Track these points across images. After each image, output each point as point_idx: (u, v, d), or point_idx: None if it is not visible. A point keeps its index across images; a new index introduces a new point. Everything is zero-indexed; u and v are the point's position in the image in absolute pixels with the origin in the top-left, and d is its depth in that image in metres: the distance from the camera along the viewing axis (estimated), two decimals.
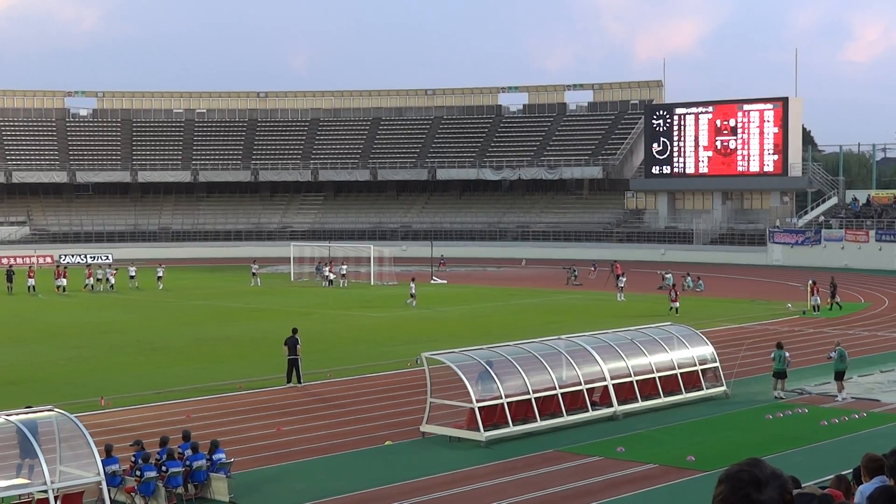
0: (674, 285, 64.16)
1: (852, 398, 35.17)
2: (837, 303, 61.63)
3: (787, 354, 36.19)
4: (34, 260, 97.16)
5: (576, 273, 79.97)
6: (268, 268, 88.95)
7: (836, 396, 35.25)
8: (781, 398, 35.12)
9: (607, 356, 33.41)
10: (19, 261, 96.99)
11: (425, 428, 29.87)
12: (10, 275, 74.15)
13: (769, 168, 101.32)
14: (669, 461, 26.97)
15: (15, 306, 66.57)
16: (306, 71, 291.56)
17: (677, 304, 59.12)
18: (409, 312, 61.18)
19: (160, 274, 77.83)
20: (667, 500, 23.59)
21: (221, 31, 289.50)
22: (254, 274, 79.37)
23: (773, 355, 36.04)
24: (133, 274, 78.81)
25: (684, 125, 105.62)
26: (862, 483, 10.86)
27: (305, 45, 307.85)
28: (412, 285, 65.49)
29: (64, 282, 74.12)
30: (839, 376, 35.54)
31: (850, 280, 67.55)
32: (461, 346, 34.36)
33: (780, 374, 35.55)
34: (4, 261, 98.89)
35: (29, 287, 73.59)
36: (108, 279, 76.92)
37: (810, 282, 61.71)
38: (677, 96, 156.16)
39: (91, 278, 76.62)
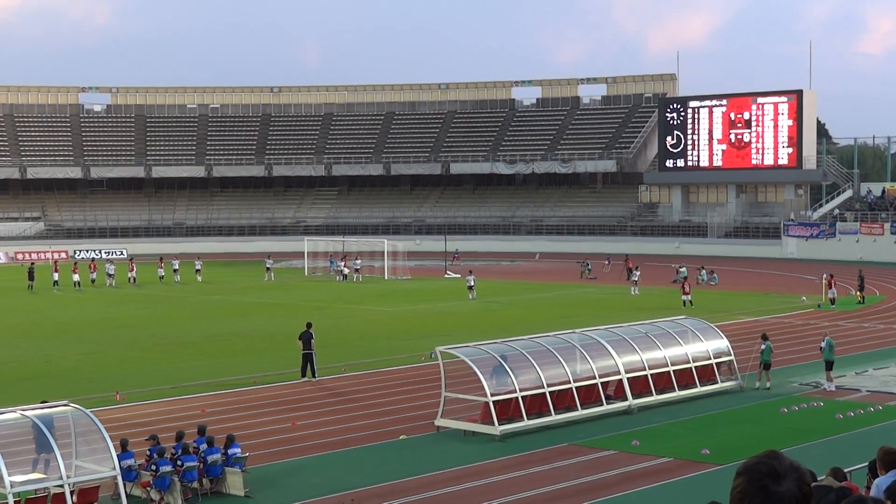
0: (685, 278, 64.03)
1: (869, 391, 35.10)
2: (863, 296, 61.49)
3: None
4: (57, 255, 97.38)
5: (589, 267, 79.87)
6: (282, 262, 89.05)
7: (827, 387, 35.66)
8: (768, 388, 35.40)
9: (622, 350, 33.38)
10: (34, 256, 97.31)
11: (440, 422, 29.89)
12: (31, 273, 73.78)
13: (783, 161, 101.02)
14: (684, 455, 26.94)
15: (31, 302, 66.75)
16: (319, 66, 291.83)
17: (689, 297, 59.02)
18: (421, 307, 61.16)
19: (198, 267, 79.53)
20: (682, 494, 23.56)
21: (234, 26, 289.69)
22: (268, 269, 79.56)
23: (763, 347, 36.16)
24: (177, 267, 79.94)
25: (698, 118, 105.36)
26: (878, 476, 10.84)
27: (318, 40, 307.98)
28: (470, 278, 65.57)
29: (93, 276, 76.71)
30: (829, 366, 35.89)
31: (865, 273, 67.28)
32: (475, 341, 34.35)
33: (768, 366, 35.78)
34: (20, 256, 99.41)
35: (54, 282, 74.32)
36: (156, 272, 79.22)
37: (825, 275, 61.58)
38: (691, 89, 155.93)
39: (133, 271, 78.41)
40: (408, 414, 32.08)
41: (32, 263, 78.48)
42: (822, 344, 36.38)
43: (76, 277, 74.16)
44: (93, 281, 75.85)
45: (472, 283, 65.14)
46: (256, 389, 36.37)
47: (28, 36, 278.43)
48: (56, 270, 75.86)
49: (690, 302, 58.26)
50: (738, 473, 4.22)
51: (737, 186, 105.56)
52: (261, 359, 42.61)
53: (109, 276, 76.49)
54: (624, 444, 28.16)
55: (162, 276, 78.80)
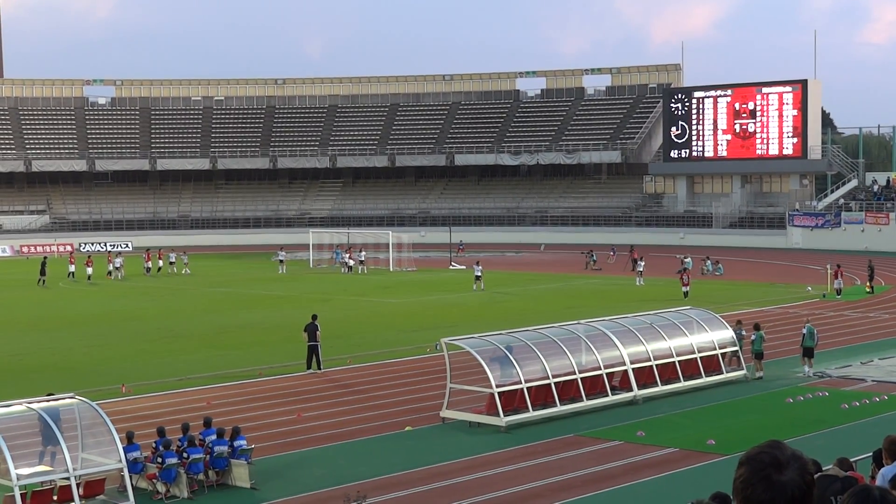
0: (685, 270, 63.68)
1: (874, 381, 35.08)
2: (872, 286, 61.43)
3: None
4: (62, 248, 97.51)
5: (594, 258, 79.80)
6: (288, 255, 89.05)
7: (804, 372, 36.06)
8: (758, 377, 35.59)
9: (627, 341, 33.38)
10: (39, 249, 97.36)
11: (445, 413, 29.90)
12: (43, 268, 72.00)
13: (788, 151, 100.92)
14: (690, 445, 26.93)
15: (37, 295, 66.73)
16: (323, 57, 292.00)
17: (688, 289, 58.90)
18: (426, 298, 61.17)
19: (178, 260, 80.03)
20: (687, 484, 23.55)
21: (238, 19, 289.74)
22: (281, 261, 79.62)
23: (753, 337, 36.24)
24: (173, 260, 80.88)
25: (703, 109, 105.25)
26: (883, 466, 10.84)
27: (321, 32, 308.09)
28: (477, 269, 65.57)
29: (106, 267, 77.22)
30: (808, 353, 36.29)
31: (873, 263, 67.32)
32: (481, 332, 34.37)
33: (760, 355, 35.86)
34: (25, 249, 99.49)
35: (70, 273, 74.59)
36: (183, 263, 79.99)
37: (829, 265, 61.49)
38: (695, 80, 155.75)
39: (149, 262, 79.42)
40: (413, 405, 32.10)
41: (45, 257, 78.04)
42: (803, 331, 36.65)
43: (90, 271, 74.13)
44: (109, 273, 75.88)
45: (480, 274, 65.18)
46: (262, 381, 36.40)
47: (32, 29, 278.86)
48: (72, 262, 75.95)
49: (687, 294, 58.08)
50: (740, 463, 4.22)
51: (742, 177, 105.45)
52: (266, 351, 42.63)
53: (117, 268, 76.53)
54: (629, 434, 28.16)
55: (172, 262, 79.86)
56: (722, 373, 35.38)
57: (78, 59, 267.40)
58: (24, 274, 75.54)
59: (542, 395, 30.26)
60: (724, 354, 35.81)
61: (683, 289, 59.01)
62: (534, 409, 29.68)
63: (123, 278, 75.19)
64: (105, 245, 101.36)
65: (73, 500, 21.73)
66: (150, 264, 79.09)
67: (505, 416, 28.89)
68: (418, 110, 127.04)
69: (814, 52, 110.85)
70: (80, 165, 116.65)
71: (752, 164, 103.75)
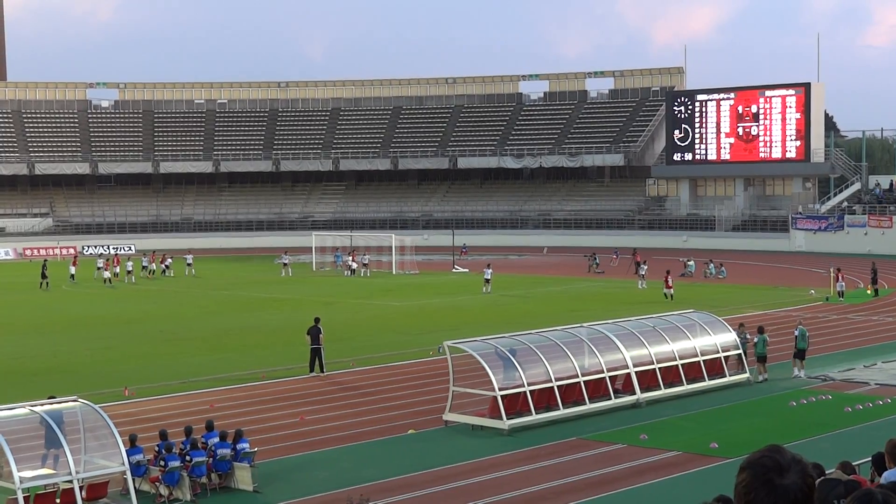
0: (668, 272, 63.39)
1: (877, 384, 35.04)
2: (876, 289, 61.38)
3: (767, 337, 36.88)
4: (66, 251, 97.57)
5: (597, 261, 79.79)
6: (290, 258, 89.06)
7: (796, 374, 36.25)
8: (761, 381, 35.65)
9: (630, 343, 33.36)
10: (43, 252, 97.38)
11: (448, 416, 29.89)
12: (43, 271, 71.66)
13: (791, 154, 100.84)
14: (693, 448, 26.92)
15: (40, 297, 66.74)
16: (326, 60, 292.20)
17: (671, 291, 58.91)
18: (429, 301, 61.18)
19: (130, 262, 80.00)
20: (690, 488, 23.53)
21: (241, 21, 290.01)
22: (285, 264, 79.54)
23: (756, 340, 36.24)
24: (190, 262, 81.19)
25: (706, 112, 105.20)
26: (886, 469, 10.83)
27: (324, 35, 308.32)
28: (487, 272, 65.54)
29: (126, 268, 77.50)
30: (800, 354, 36.44)
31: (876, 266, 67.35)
32: (483, 335, 34.35)
33: (763, 358, 35.81)
34: (29, 252, 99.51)
35: (71, 275, 74.41)
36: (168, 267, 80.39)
37: (832, 268, 61.47)
38: (698, 83, 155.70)
39: (164, 262, 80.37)
40: (416, 408, 32.09)
41: (45, 260, 77.75)
42: (796, 332, 36.69)
43: (107, 274, 74.20)
44: (115, 274, 75.84)
45: (489, 277, 65.15)
46: (265, 384, 36.41)
47: (35, 32, 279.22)
48: (74, 264, 75.98)
49: (671, 296, 58.15)
50: (741, 468, 4.23)
51: (745, 180, 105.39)
52: (269, 354, 42.63)
53: (129, 272, 76.58)
54: (632, 437, 28.15)
55: (189, 264, 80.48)
56: (725, 376, 35.36)
57: (81, 63, 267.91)
58: (27, 277, 75.54)
59: (544, 398, 30.25)
60: (727, 357, 35.79)
61: (665, 290, 59.06)
62: (536, 413, 29.66)
63: (131, 282, 75.26)
64: (108, 248, 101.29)
65: (75, 503, 21.73)
66: (154, 266, 79.46)
67: (508, 419, 28.87)
68: (421, 113, 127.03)
69: (816, 54, 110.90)
70: (83, 168, 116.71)
71: (755, 167, 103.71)
